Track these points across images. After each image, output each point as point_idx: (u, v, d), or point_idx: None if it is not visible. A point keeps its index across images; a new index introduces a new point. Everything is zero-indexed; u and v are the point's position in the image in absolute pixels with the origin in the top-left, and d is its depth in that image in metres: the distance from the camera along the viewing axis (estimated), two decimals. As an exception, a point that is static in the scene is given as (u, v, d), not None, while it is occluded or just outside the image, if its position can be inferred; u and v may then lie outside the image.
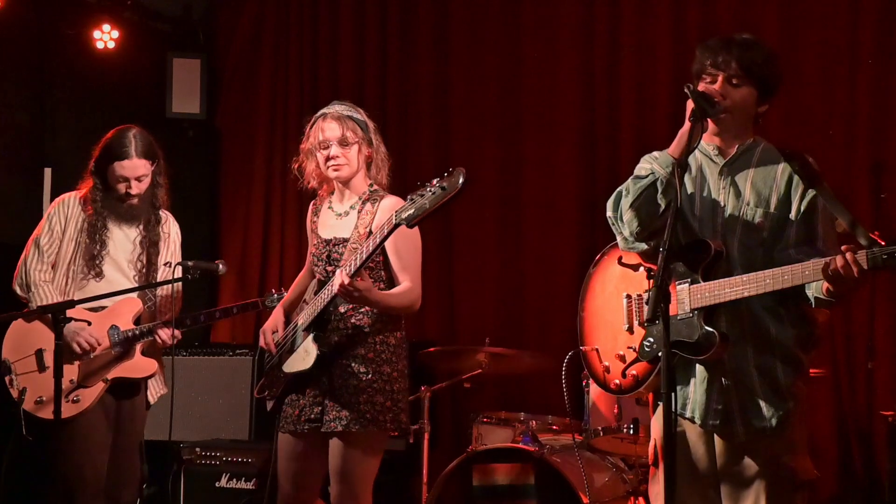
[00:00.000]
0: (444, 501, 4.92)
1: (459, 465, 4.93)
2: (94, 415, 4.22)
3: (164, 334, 4.27)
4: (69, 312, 4.09)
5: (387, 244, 3.73)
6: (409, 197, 3.48)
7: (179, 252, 4.55)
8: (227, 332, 6.81)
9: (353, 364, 3.79)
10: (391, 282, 3.88)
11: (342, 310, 3.83)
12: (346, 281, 3.59)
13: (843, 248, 2.86)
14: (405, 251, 3.86)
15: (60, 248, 4.32)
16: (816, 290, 3.00)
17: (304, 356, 3.82)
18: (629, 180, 3.19)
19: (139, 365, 4.31)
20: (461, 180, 3.36)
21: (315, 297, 3.86)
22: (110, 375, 4.26)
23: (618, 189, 3.22)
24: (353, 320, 3.84)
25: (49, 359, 4.17)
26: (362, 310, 3.83)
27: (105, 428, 4.27)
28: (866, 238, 2.86)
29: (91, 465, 4.21)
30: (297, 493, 3.94)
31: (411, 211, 3.43)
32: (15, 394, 4.22)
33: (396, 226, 3.49)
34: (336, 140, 3.86)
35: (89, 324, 4.23)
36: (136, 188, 4.31)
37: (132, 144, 4.26)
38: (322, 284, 3.86)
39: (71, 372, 4.17)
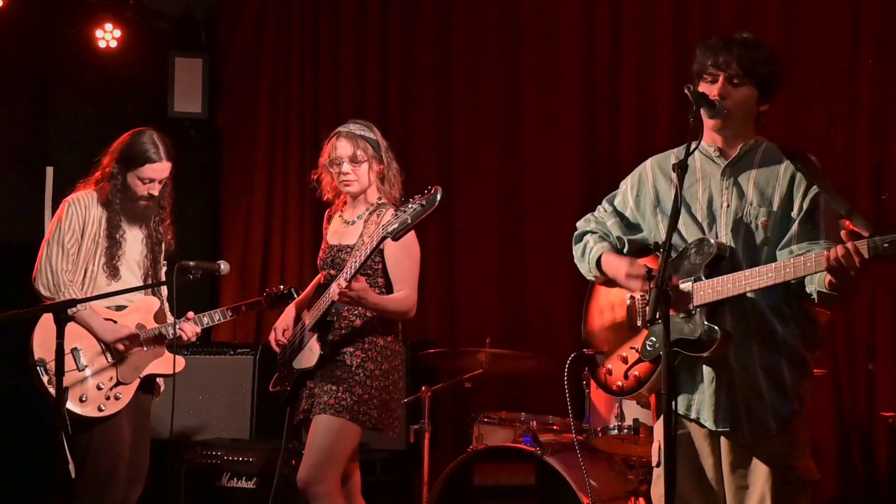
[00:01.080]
0: (444, 501, 4.92)
1: (460, 465, 4.94)
2: (124, 412, 4.33)
3: (188, 330, 4.39)
4: (99, 312, 4.28)
5: (386, 255, 4.15)
6: (394, 213, 3.90)
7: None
8: (228, 332, 6.81)
9: (341, 358, 4.14)
10: (389, 288, 4.20)
11: (341, 311, 4.17)
12: (343, 285, 3.95)
13: (842, 234, 2.86)
14: (403, 262, 4.17)
15: (81, 248, 4.36)
16: (819, 283, 3.00)
17: (310, 355, 4.18)
18: (577, 232, 3.49)
19: (170, 361, 4.43)
20: (438, 198, 3.77)
21: (319, 299, 4.18)
22: (144, 372, 4.39)
23: (576, 231, 3.49)
24: (348, 320, 4.18)
25: (85, 357, 4.30)
26: (356, 311, 4.16)
27: (129, 424, 4.38)
28: (866, 227, 2.85)
29: (123, 461, 4.33)
30: None
31: (395, 225, 3.82)
32: (55, 392, 4.23)
33: (383, 238, 3.88)
34: (347, 158, 4.20)
35: (115, 322, 4.34)
36: (158, 189, 4.42)
37: (159, 148, 4.38)
38: (326, 287, 4.16)
39: (110, 370, 4.31)
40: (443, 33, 6.79)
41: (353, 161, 4.19)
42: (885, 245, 2.79)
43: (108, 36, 6.59)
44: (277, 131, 7.11)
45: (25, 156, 6.35)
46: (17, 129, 6.33)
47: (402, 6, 6.91)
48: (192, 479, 5.45)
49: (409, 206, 3.82)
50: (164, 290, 4.55)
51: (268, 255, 7.07)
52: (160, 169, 4.38)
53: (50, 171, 6.29)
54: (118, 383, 4.31)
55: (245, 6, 7.18)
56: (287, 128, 7.08)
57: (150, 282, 4.46)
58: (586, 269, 3.44)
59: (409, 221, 3.79)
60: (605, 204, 3.49)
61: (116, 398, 4.30)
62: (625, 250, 3.38)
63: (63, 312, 3.85)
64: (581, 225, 3.52)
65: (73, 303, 4.03)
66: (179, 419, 4.58)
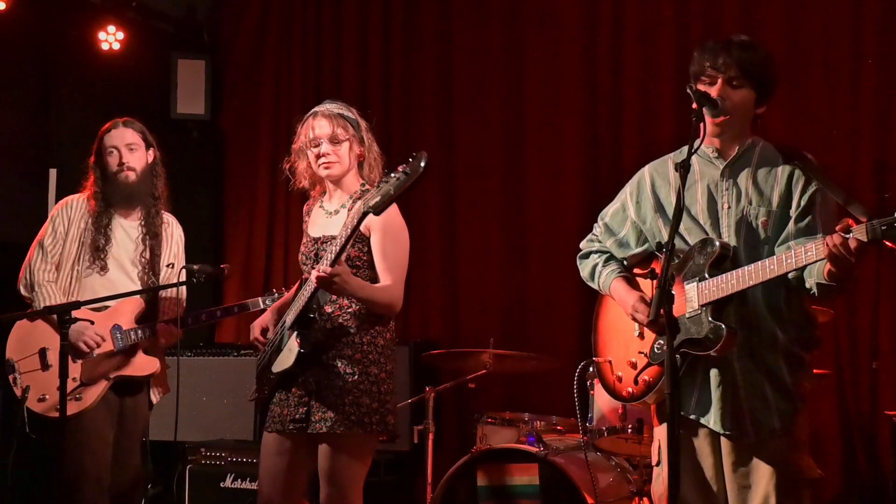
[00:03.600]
0: (448, 502, 4.92)
1: (464, 466, 4.94)
2: (96, 412, 4.28)
3: (165, 332, 4.33)
4: (76, 312, 4.11)
5: (373, 244, 3.78)
6: (376, 185, 3.52)
7: (183, 255, 4.59)
8: (231, 333, 6.82)
9: (339, 365, 3.74)
10: (375, 282, 3.81)
11: (329, 310, 3.78)
12: (323, 267, 3.57)
13: (839, 226, 2.84)
14: (391, 252, 3.80)
15: (64, 249, 4.39)
16: (818, 275, 3.00)
17: (288, 355, 3.78)
18: (582, 252, 3.52)
19: (141, 363, 4.37)
20: (422, 164, 3.40)
21: (299, 295, 3.81)
22: (113, 374, 4.32)
23: (580, 252, 3.52)
24: (339, 321, 3.78)
25: (52, 357, 4.26)
26: (349, 310, 3.77)
27: (107, 425, 4.33)
28: (865, 213, 2.85)
29: (92, 460, 4.25)
30: (273, 493, 3.83)
31: (378, 199, 3.44)
32: (18, 392, 4.28)
33: (364, 214, 3.50)
34: (326, 137, 3.86)
35: (92, 323, 4.28)
36: (128, 157, 4.46)
37: (117, 119, 4.53)
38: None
39: (74, 370, 4.21)
40: (445, 36, 6.79)
41: (332, 141, 3.84)
42: (884, 228, 2.77)
43: (110, 38, 6.61)
44: (280, 132, 7.11)
45: (28, 158, 6.36)
46: (20, 131, 6.34)
47: (405, 8, 6.91)
48: (195, 480, 5.46)
49: (392, 175, 3.44)
50: (169, 291, 4.49)
51: (271, 256, 7.08)
52: (117, 135, 4.47)
53: (53, 172, 6.30)
54: (81, 384, 4.25)
55: (247, 7, 7.19)
56: (289, 128, 7.02)
57: (147, 279, 4.44)
58: (597, 288, 3.47)
59: (392, 192, 3.40)
60: (599, 223, 3.52)
61: (77, 399, 4.21)
62: (625, 263, 3.41)
63: (67, 314, 3.86)
64: (585, 245, 3.54)
65: (78, 304, 4.02)
66: (183, 420, 4.56)
